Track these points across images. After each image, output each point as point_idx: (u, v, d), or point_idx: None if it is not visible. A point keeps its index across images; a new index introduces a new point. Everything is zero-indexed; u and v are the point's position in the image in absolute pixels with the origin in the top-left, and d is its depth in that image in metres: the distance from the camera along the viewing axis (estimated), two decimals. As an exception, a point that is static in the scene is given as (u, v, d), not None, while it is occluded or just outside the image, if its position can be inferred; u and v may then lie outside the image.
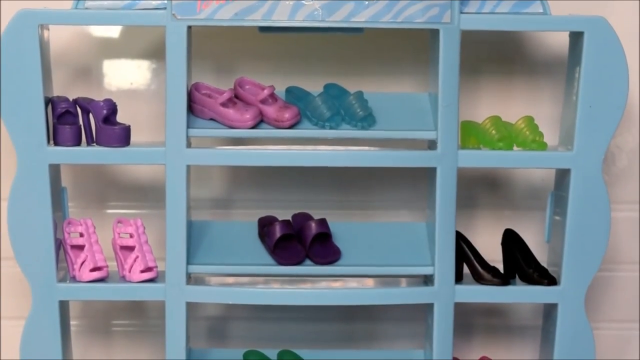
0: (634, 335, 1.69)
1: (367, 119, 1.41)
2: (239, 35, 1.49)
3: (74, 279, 1.41)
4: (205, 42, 1.49)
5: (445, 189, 1.37)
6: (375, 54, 1.53)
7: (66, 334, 1.44)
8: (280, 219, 1.46)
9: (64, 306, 1.41)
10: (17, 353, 1.42)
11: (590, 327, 1.42)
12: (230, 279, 1.48)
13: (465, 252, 1.45)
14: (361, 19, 1.33)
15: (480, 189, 1.59)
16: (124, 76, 1.58)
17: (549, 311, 1.45)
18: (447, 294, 1.39)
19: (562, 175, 1.42)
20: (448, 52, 1.34)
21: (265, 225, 1.46)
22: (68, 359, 1.45)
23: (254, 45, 1.52)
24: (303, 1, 1.33)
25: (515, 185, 1.60)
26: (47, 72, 1.38)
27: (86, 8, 1.36)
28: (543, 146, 1.42)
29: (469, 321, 1.58)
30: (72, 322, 1.51)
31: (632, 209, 1.59)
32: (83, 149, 1.39)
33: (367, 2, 1.33)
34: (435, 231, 1.39)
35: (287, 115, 1.39)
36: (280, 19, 1.33)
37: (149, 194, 1.56)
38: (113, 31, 1.56)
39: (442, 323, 1.39)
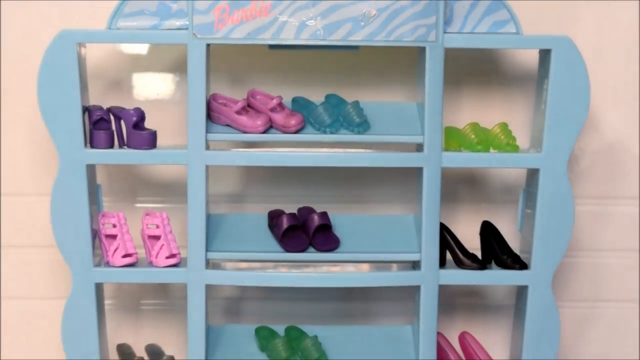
0: (594, 312, 1.69)
1: (363, 125, 1.41)
2: (251, 52, 1.48)
3: (107, 264, 1.42)
4: (221, 58, 1.49)
5: (430, 186, 1.37)
6: (369, 68, 1.53)
7: (101, 312, 1.45)
8: (287, 212, 1.46)
9: (99, 288, 1.42)
10: (58, 329, 1.41)
11: (556, 305, 1.42)
12: (244, 264, 1.48)
13: (448, 241, 1.46)
14: (357, 38, 1.33)
15: (461, 186, 1.59)
16: (151, 88, 1.58)
17: (521, 292, 1.45)
18: (432, 278, 1.39)
19: (532, 174, 1.43)
20: (433, 67, 1.34)
21: (274, 217, 1.47)
22: (103, 333, 1.46)
23: (264, 60, 1.52)
24: (307, 22, 1.33)
25: (492, 182, 1.60)
26: (84, 84, 1.39)
27: (118, 28, 1.36)
28: (516, 149, 1.42)
29: (451, 301, 1.59)
30: (106, 302, 1.52)
31: (593, 203, 1.59)
32: (115, 151, 1.39)
33: (362, 23, 1.32)
34: (422, 223, 1.39)
35: (293, 121, 1.40)
36: (287, 37, 1.33)
37: (172, 191, 1.57)
38: (141, 48, 1.56)
39: (427, 302, 1.39)
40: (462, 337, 1.52)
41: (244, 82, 1.54)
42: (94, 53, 1.49)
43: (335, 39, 1.33)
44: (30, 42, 1.46)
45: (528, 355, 1.43)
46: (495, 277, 1.44)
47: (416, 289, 1.41)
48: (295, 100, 1.47)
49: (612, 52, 1.56)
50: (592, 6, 1.53)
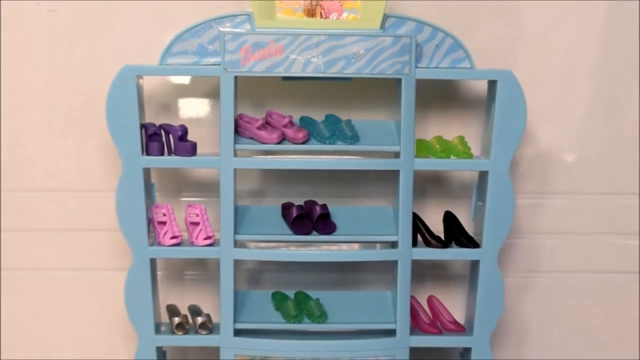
0: (530, 280, 1.70)
1: (354, 138, 1.46)
2: (268, 82, 1.52)
3: (159, 244, 1.48)
4: (246, 86, 1.52)
5: (405, 185, 1.44)
6: (359, 94, 1.58)
7: (154, 280, 1.51)
8: (295, 204, 1.51)
9: (152, 262, 1.48)
10: (121, 293, 1.47)
11: (500, 275, 1.48)
12: (263, 244, 1.53)
13: (418, 226, 1.52)
14: (350, 71, 1.39)
15: (429, 185, 1.63)
16: (192, 109, 1.62)
17: (474, 265, 1.51)
18: (407, 254, 1.46)
19: (483, 176, 1.48)
20: (407, 94, 1.40)
21: (285, 208, 1.52)
22: (155, 296, 1.51)
23: (278, 88, 1.55)
24: (311, 59, 1.39)
25: (452, 182, 1.64)
26: (141, 106, 1.44)
27: (167, 64, 1.42)
28: (470, 156, 1.48)
29: (421, 272, 1.60)
30: (158, 272, 1.57)
31: (529, 197, 1.65)
32: (165, 158, 1.45)
33: (353, 60, 1.39)
34: (399, 212, 1.45)
35: (300, 135, 1.46)
36: (296, 71, 1.39)
37: (208, 188, 1.60)
38: (185, 79, 1.60)
39: (403, 273, 1.46)
40: (430, 300, 1.58)
41: (263, 105, 1.58)
42: (148, 82, 1.53)
43: (332, 72, 1.39)
44: (99, 72, 1.49)
45: (479, 313, 1.49)
46: (455, 254, 1.51)
47: (394, 263, 1.47)
48: (302, 119, 1.52)
49: (544, 79, 1.60)
50: (530, 43, 1.59)
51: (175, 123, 1.49)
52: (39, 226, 1.65)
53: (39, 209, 1.65)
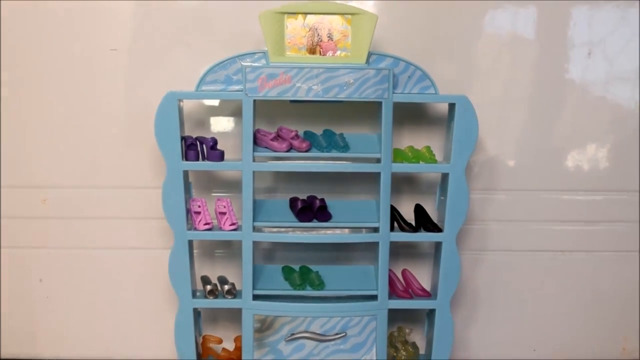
0: (482, 257, 1.70)
1: (345, 147, 1.47)
2: (280, 104, 1.51)
3: (195, 229, 1.47)
4: (262, 107, 1.53)
5: (385, 183, 1.44)
6: (349, 113, 1.57)
7: (191, 256, 1.51)
8: (300, 198, 1.52)
9: (190, 243, 1.48)
10: (166, 267, 1.48)
11: (458, 253, 1.49)
12: (275, 229, 1.53)
13: (395, 215, 1.52)
14: (342, 96, 1.40)
15: (403, 184, 1.62)
16: (221, 125, 1.62)
17: (438, 245, 1.51)
18: (386, 237, 1.46)
19: (445, 176, 1.48)
20: (386, 113, 1.41)
21: (292, 201, 1.52)
22: (192, 269, 1.52)
23: (287, 109, 1.56)
24: (312, 87, 1.40)
25: (421, 181, 1.63)
26: (181, 123, 1.44)
27: (202, 90, 1.43)
28: (435, 162, 1.49)
29: (398, 251, 1.62)
30: (195, 251, 1.57)
31: (480, 193, 1.65)
32: (200, 162, 1.46)
33: (345, 87, 1.40)
34: (380, 205, 1.45)
35: (304, 145, 1.47)
36: (301, 96, 1.40)
37: (233, 186, 1.60)
38: (215, 102, 1.60)
39: (383, 252, 1.46)
40: (404, 272, 1.58)
41: (276, 121, 1.57)
42: (187, 104, 1.54)
43: (329, 96, 1.40)
44: (151, 97, 1.49)
45: (442, 282, 1.49)
46: (423, 237, 1.50)
47: (376, 244, 1.47)
48: (305, 133, 1.53)
49: (491, 102, 1.60)
50: (480, 74, 1.58)
51: (208, 136, 1.49)
52: (104, 214, 1.65)
53: (105, 201, 1.65)
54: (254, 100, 1.42)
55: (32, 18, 1.53)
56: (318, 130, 1.54)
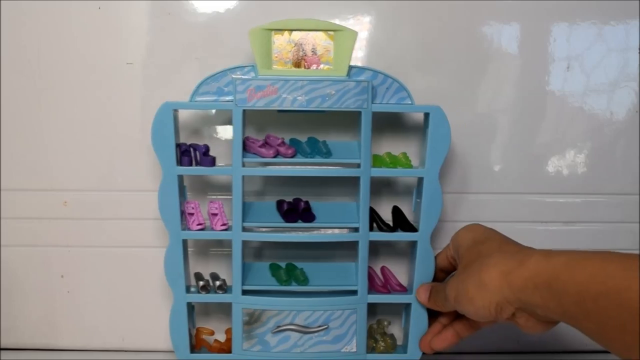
0: None
1: (328, 154, 1.48)
2: (267, 113, 1.52)
3: (188, 229, 1.47)
4: (252, 116, 1.54)
5: (364, 187, 1.44)
6: (332, 122, 1.58)
7: (185, 255, 1.51)
8: (286, 201, 1.53)
9: (184, 242, 1.48)
10: (161, 265, 1.48)
11: (432, 251, 1.47)
12: (263, 229, 1.51)
13: (374, 216, 1.51)
14: (325, 106, 1.40)
15: (382, 187, 1.62)
16: (213, 132, 1.61)
17: (413, 244, 1.50)
18: (365, 236, 1.46)
19: (420, 180, 1.48)
20: (366, 122, 1.41)
21: (279, 204, 1.53)
22: (186, 266, 1.52)
23: (275, 118, 1.57)
24: (297, 97, 1.40)
25: (399, 184, 1.63)
26: (176, 131, 1.45)
27: (196, 100, 1.43)
28: (411, 167, 1.49)
29: (377, 249, 1.63)
30: (189, 249, 1.57)
31: (453, 194, 1.65)
32: (193, 167, 1.45)
33: (327, 98, 1.40)
34: (360, 206, 1.46)
35: (289, 151, 1.47)
36: (286, 106, 1.40)
37: (224, 189, 1.61)
38: (209, 112, 1.60)
39: (362, 250, 1.46)
40: (382, 269, 1.59)
41: (264, 129, 1.59)
42: (183, 113, 1.55)
43: (312, 106, 1.40)
44: (151, 106, 1.48)
45: (417, 278, 1.48)
46: (399, 236, 1.49)
47: (357, 243, 1.47)
48: (291, 140, 1.53)
49: (465, 112, 1.60)
50: (454, 85, 1.58)
51: (201, 143, 1.50)
52: (120, 215, 1.66)
53: (120, 203, 1.65)
54: (243, 110, 1.43)
55: (60, 34, 1.56)
56: (303, 138, 1.56)
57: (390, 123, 1.57)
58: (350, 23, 1.56)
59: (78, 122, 1.53)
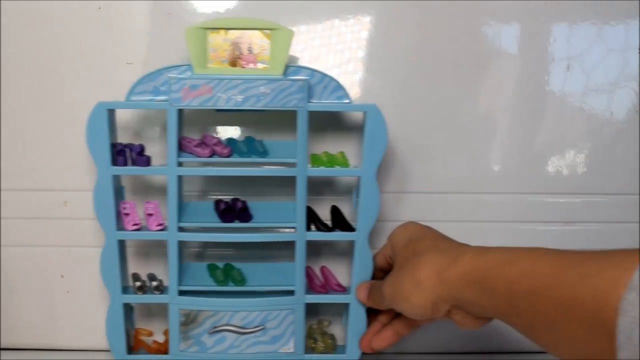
0: None
1: (264, 153, 1.47)
2: (204, 113, 1.53)
3: (124, 229, 1.46)
4: (192, 116, 1.55)
5: (301, 186, 1.43)
6: (272, 121, 1.56)
7: (122, 255, 1.49)
8: (224, 200, 1.51)
9: (120, 242, 1.46)
10: (97, 264, 1.46)
11: (369, 250, 1.47)
12: (200, 229, 1.49)
13: (311, 216, 1.50)
14: (260, 105, 1.39)
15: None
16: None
17: (352, 244, 1.49)
18: (302, 236, 1.45)
19: (358, 180, 1.46)
20: (302, 121, 1.40)
21: (217, 203, 1.52)
22: (124, 266, 1.51)
23: (211, 117, 1.58)
24: (232, 97, 1.40)
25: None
26: (111, 130, 1.43)
27: (132, 100, 1.42)
28: (348, 166, 1.48)
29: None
30: (129, 249, 1.56)
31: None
32: (127, 167, 1.44)
33: (262, 97, 1.39)
34: (297, 205, 1.45)
35: (225, 151, 1.45)
36: (220, 105, 1.39)
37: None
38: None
39: (300, 250, 1.46)
40: (322, 269, 1.58)
41: (206, 129, 1.59)
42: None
43: (247, 105, 1.39)
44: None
45: (355, 278, 1.47)
46: (337, 236, 1.48)
47: (294, 243, 1.47)
48: (228, 139, 1.52)
49: (477, 111, 1.56)
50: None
51: (137, 142, 1.49)
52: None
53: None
54: (178, 110, 1.42)
55: (60, 34, 1.55)
56: (240, 137, 1.56)
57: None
58: (350, 23, 1.54)
59: (78, 122, 1.48)
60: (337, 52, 1.55)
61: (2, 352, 1.56)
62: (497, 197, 1.53)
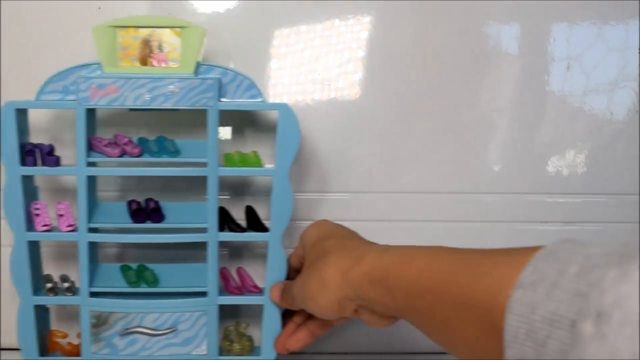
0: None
1: (176, 153, 1.45)
2: (114, 112, 1.53)
3: (34, 230, 1.44)
4: (105, 115, 1.54)
5: (212, 186, 1.41)
6: (185, 120, 1.55)
7: (32, 256, 1.47)
8: (137, 201, 1.50)
9: (30, 243, 1.44)
10: (7, 264, 1.43)
11: (283, 251, 1.45)
12: (113, 229, 1.49)
13: (225, 216, 1.49)
14: (168, 104, 1.38)
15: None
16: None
17: (267, 244, 1.45)
18: (214, 237, 1.42)
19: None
20: (212, 120, 1.38)
21: (130, 204, 1.50)
22: (33, 268, 1.49)
23: (122, 117, 1.56)
24: (139, 96, 1.38)
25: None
26: (21, 131, 1.41)
27: (41, 99, 1.40)
28: (260, 165, 1.46)
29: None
30: (43, 249, 1.53)
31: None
32: (36, 167, 1.42)
33: (170, 96, 1.38)
34: (208, 206, 1.42)
35: (135, 150, 1.43)
36: (129, 104, 1.38)
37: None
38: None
39: (212, 251, 1.43)
40: (238, 270, 1.56)
41: (120, 129, 1.55)
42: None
43: (155, 105, 1.37)
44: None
45: (268, 278, 1.45)
46: (250, 236, 1.46)
47: (206, 243, 1.44)
48: (139, 139, 1.49)
49: (478, 111, 1.54)
50: (453, 84, 1.52)
51: (46, 142, 1.46)
52: None
53: None
54: (87, 109, 1.40)
55: (60, 34, 1.56)
56: (152, 137, 1.53)
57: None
58: (350, 23, 1.51)
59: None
60: (337, 52, 1.53)
61: (2, 352, 1.56)
62: (497, 197, 1.51)
